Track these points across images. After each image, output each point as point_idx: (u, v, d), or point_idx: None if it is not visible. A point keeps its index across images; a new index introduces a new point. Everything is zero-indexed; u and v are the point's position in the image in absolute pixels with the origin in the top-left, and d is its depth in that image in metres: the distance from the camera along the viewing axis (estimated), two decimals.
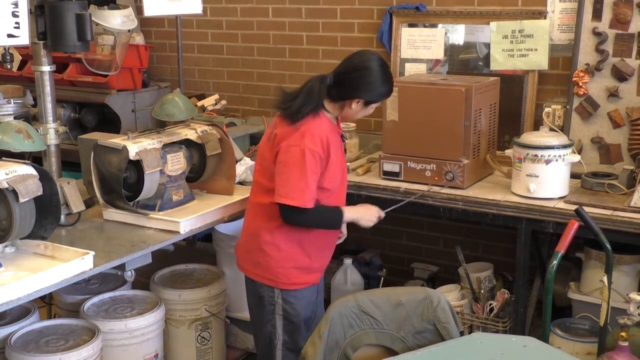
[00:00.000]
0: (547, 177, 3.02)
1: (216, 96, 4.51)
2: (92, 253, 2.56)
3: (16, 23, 2.63)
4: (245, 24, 4.51)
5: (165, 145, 3.10)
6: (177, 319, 3.40)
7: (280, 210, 2.69)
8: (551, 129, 3.22)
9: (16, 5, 2.62)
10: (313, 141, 2.64)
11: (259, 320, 2.91)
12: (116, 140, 3.02)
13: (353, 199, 3.34)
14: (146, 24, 4.81)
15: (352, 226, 2.98)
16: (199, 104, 4.40)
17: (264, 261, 2.80)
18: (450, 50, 3.86)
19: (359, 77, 2.70)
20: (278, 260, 2.79)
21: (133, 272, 2.80)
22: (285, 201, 2.65)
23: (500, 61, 3.66)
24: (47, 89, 3.10)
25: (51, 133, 3.13)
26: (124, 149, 2.94)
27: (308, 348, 2.38)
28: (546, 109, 3.47)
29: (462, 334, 2.46)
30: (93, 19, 3.02)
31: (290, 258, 2.79)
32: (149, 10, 3.45)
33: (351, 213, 2.84)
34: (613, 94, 3.38)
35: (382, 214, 2.92)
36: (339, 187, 2.84)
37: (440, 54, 3.87)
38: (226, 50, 4.63)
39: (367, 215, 2.87)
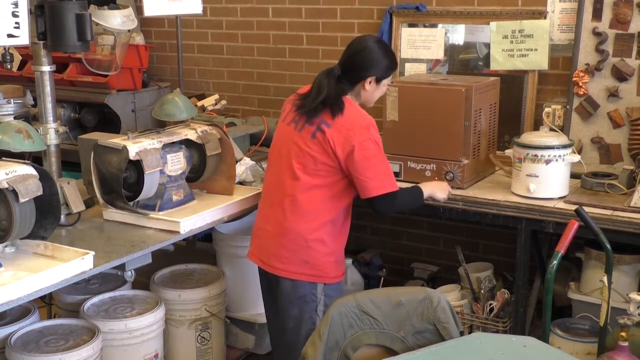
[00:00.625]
0: (547, 177, 3.02)
1: (216, 96, 4.51)
2: (92, 253, 2.56)
3: (16, 23, 2.63)
4: (245, 24, 4.51)
5: (165, 145, 3.10)
6: (177, 319, 3.40)
7: (376, 202, 2.80)
8: (551, 129, 3.22)
9: (16, 5, 2.62)
10: (375, 129, 2.81)
11: (297, 320, 2.89)
12: (116, 140, 3.02)
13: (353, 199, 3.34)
14: (146, 24, 4.81)
15: (352, 226, 2.98)
16: (199, 104, 4.40)
17: (312, 259, 2.83)
18: (450, 50, 3.86)
19: (362, 58, 2.84)
20: (324, 255, 2.84)
21: (133, 272, 2.80)
22: (382, 191, 2.78)
23: (500, 61, 3.66)
24: (47, 89, 3.10)
25: (51, 133, 3.13)
26: (124, 149, 2.94)
27: (308, 348, 2.38)
28: (546, 109, 3.47)
29: (462, 334, 2.45)
30: (93, 19, 3.01)
31: (333, 252, 2.86)
32: (149, 10, 3.45)
33: (427, 188, 3.03)
34: (613, 94, 3.38)
35: (450, 188, 3.09)
36: None
37: (440, 54, 3.87)
38: (226, 50, 4.63)
39: (439, 188, 3.06)
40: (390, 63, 2.89)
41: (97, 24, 3.11)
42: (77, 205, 2.93)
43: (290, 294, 2.89)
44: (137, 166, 2.99)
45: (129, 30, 3.27)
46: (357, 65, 2.83)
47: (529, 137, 3.10)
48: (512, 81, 3.65)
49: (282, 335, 2.99)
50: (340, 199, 2.85)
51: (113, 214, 3.05)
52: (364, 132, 2.76)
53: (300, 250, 2.83)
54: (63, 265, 2.49)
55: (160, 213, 3.07)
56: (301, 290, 2.86)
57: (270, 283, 2.97)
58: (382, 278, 3.89)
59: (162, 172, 3.08)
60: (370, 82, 2.85)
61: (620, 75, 3.36)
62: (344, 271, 2.97)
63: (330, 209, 2.84)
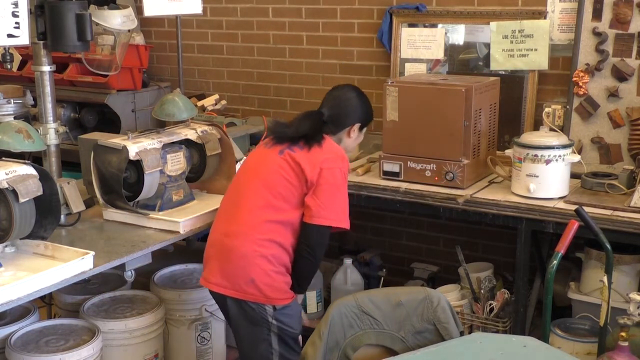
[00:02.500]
0: (547, 177, 3.02)
1: (216, 96, 4.51)
2: (92, 253, 2.56)
3: (16, 23, 2.63)
4: (245, 24, 4.51)
5: (165, 145, 3.10)
6: (177, 319, 3.40)
7: (318, 231, 2.73)
8: (551, 129, 3.22)
9: (16, 5, 2.62)
10: (347, 164, 2.83)
11: (251, 342, 2.81)
12: (116, 140, 3.02)
13: (353, 199, 3.34)
14: (146, 24, 4.81)
15: (352, 226, 2.97)
16: (199, 104, 4.40)
17: (258, 278, 2.71)
18: (450, 50, 3.86)
19: (350, 104, 2.95)
20: (270, 274, 2.72)
21: (133, 272, 2.80)
22: (330, 222, 2.73)
23: (500, 61, 3.67)
24: (47, 89, 3.10)
25: (51, 133, 3.13)
26: (124, 149, 2.94)
27: (308, 348, 2.38)
28: (546, 109, 3.47)
29: (462, 334, 2.46)
30: (93, 19, 3.01)
31: (280, 271, 2.75)
32: (149, 10, 3.46)
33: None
34: (613, 94, 3.38)
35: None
36: None
37: (440, 54, 3.87)
38: (226, 50, 4.63)
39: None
40: (371, 111, 3.02)
41: (97, 24, 3.11)
42: (77, 205, 2.93)
43: (240, 313, 2.78)
44: (137, 166, 3.00)
45: (129, 30, 3.27)
46: (346, 110, 2.93)
47: (529, 137, 3.10)
48: (512, 81, 3.65)
49: (242, 357, 2.92)
50: (294, 227, 2.76)
51: (113, 214, 3.05)
52: (337, 160, 2.77)
53: (248, 268, 2.70)
54: (63, 265, 2.49)
55: (160, 213, 3.07)
56: (250, 310, 2.75)
57: (221, 304, 2.88)
58: (382, 278, 3.89)
59: (162, 172, 3.08)
60: (354, 130, 2.95)
61: (620, 75, 3.36)
62: (292, 293, 2.81)
63: (279, 231, 2.74)
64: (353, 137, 2.97)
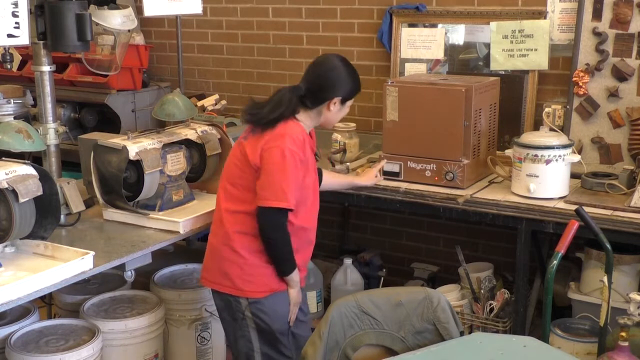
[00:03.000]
0: (547, 177, 3.02)
1: (216, 96, 4.51)
2: (92, 253, 2.56)
3: (16, 23, 2.63)
4: (245, 24, 4.51)
5: (165, 145, 3.11)
6: (177, 319, 3.40)
7: (263, 214, 2.65)
8: (551, 129, 3.22)
9: (16, 5, 2.62)
10: (293, 142, 2.64)
11: (233, 337, 2.85)
12: (116, 140, 3.02)
13: (353, 199, 3.35)
14: (146, 24, 4.82)
15: (352, 226, 2.97)
16: (199, 104, 4.40)
17: (230, 270, 2.74)
18: (450, 50, 3.86)
19: (331, 77, 2.75)
20: (242, 267, 2.73)
21: (133, 272, 2.80)
22: (269, 203, 2.62)
23: (500, 61, 3.67)
24: (47, 89, 3.10)
25: (51, 133, 3.13)
26: (124, 149, 2.94)
27: (308, 348, 2.38)
28: (546, 109, 3.47)
29: (462, 334, 2.46)
30: (93, 19, 3.02)
31: (254, 264, 2.73)
32: (149, 10, 3.46)
33: (297, 277, 2.79)
34: (613, 94, 3.38)
35: (298, 301, 2.85)
36: (310, 207, 2.80)
37: (440, 54, 3.87)
38: (226, 50, 4.63)
39: (297, 295, 2.82)
40: (356, 84, 2.81)
41: (97, 24, 3.11)
42: (77, 205, 2.94)
43: (220, 306, 2.84)
44: (137, 166, 3.00)
45: (129, 30, 3.27)
46: (327, 83, 2.74)
47: (529, 137, 3.10)
48: (512, 81, 3.65)
49: (232, 350, 2.94)
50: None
51: (113, 214, 3.05)
52: (276, 139, 2.64)
53: (221, 261, 2.76)
54: (63, 265, 2.49)
55: (160, 213, 3.07)
56: (227, 302, 2.79)
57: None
58: (382, 278, 3.89)
59: (162, 172, 3.08)
60: (335, 103, 2.76)
61: (620, 75, 3.37)
62: (278, 287, 2.77)
63: (246, 221, 2.71)
64: (333, 110, 2.77)
